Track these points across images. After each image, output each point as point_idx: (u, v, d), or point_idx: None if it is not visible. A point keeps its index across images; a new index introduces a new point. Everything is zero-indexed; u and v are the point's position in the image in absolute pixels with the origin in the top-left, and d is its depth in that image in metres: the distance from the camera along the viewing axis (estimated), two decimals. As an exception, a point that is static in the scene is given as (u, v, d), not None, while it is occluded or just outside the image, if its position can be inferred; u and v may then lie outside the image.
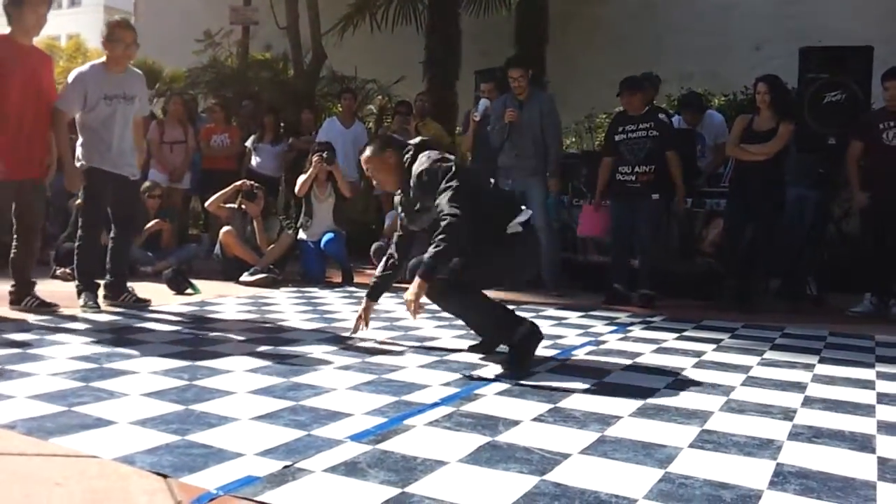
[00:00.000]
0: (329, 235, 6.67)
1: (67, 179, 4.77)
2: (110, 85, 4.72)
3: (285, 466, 2.11)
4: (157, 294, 5.39)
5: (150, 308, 4.86)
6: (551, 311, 5.21)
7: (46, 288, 5.27)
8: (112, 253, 4.98)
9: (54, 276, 6.06)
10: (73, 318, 4.37)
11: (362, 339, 3.98)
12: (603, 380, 3.24)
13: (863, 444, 2.46)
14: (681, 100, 7.03)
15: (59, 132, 4.55)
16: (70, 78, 4.71)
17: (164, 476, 2.02)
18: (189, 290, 5.57)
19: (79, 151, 4.74)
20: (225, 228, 6.52)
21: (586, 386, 3.12)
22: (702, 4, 10.12)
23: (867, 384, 3.31)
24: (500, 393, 2.97)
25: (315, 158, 6.64)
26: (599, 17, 10.85)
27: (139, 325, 4.26)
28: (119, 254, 5.02)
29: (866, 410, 2.86)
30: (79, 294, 4.71)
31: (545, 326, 4.55)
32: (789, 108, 5.71)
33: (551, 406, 2.79)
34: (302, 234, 6.82)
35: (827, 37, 6.98)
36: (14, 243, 4.57)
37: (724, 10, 9.94)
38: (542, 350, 3.83)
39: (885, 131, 5.52)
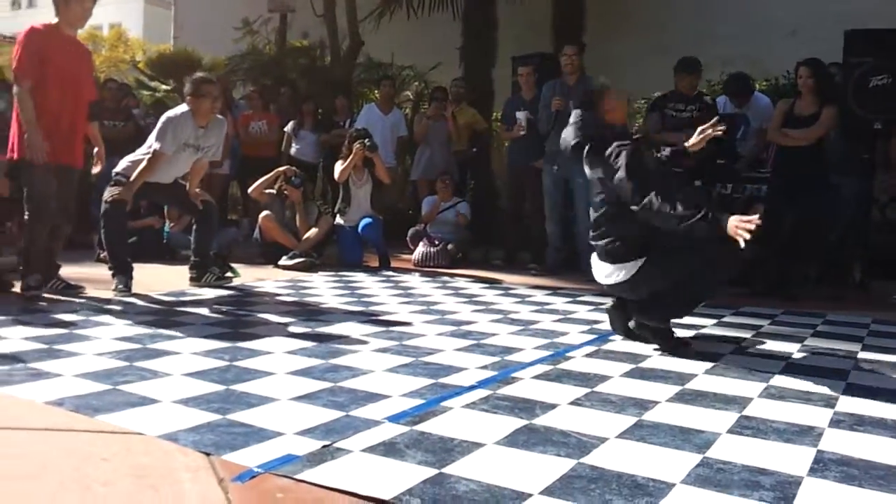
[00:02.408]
0: (367, 220, 6.71)
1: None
2: (193, 137, 5.01)
3: (324, 446, 2.14)
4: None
5: (191, 291, 4.95)
6: (588, 297, 5.18)
7: (92, 271, 5.41)
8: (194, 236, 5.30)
9: (99, 260, 6.18)
10: (119, 301, 4.46)
11: (400, 323, 4.00)
12: (640, 364, 3.23)
13: (906, 432, 2.42)
14: (728, 81, 6.90)
15: (150, 169, 4.87)
16: (162, 121, 4.95)
17: (207, 454, 2.06)
18: (229, 274, 5.64)
19: (125, 164, 4.98)
20: (264, 213, 6.59)
21: (623, 370, 3.11)
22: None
23: (911, 372, 3.25)
24: (537, 377, 2.97)
25: (357, 146, 6.67)
26: (636, 2, 10.71)
27: (181, 307, 4.34)
28: (199, 238, 5.27)
29: (910, 398, 2.82)
30: (113, 277, 4.81)
31: (582, 311, 4.56)
32: (832, 93, 5.59)
33: (588, 390, 2.79)
34: (340, 220, 6.87)
35: (872, 20, 6.80)
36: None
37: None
38: (579, 335, 3.84)
39: (933, 116, 5.38)
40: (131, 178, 4.84)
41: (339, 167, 6.84)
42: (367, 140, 6.72)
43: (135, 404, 2.46)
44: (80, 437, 2.18)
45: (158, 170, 4.93)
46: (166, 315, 4.09)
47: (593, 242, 3.66)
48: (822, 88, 5.48)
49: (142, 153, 4.97)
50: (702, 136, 3.71)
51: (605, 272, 3.60)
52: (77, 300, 4.42)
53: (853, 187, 6.06)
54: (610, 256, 3.54)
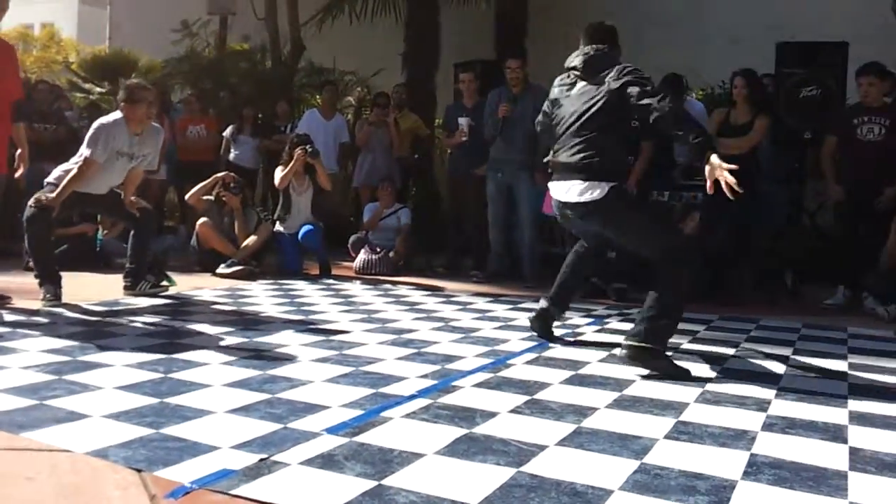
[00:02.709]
0: (307, 228, 6.64)
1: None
2: (127, 145, 4.83)
3: (261, 459, 2.10)
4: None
5: (125, 301, 4.82)
6: (529, 304, 5.21)
7: (20, 280, 5.23)
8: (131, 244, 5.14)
9: (27, 268, 5.97)
10: (48, 312, 4.32)
11: (340, 332, 3.96)
12: (579, 371, 3.26)
13: (835, 434, 2.49)
14: (661, 83, 7.03)
15: (80, 177, 4.67)
16: (94, 128, 4.75)
17: (139, 470, 2.00)
18: (164, 283, 5.51)
19: (58, 173, 4.81)
20: (202, 220, 6.47)
21: (563, 377, 3.13)
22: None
23: (840, 375, 3.35)
24: (478, 385, 2.97)
25: (299, 151, 6.60)
26: (577, 10, 10.84)
27: (114, 318, 4.21)
28: (135, 245, 5.11)
29: (839, 401, 2.90)
30: (40, 286, 4.65)
31: (523, 318, 4.58)
32: (766, 103, 5.75)
33: (528, 398, 2.80)
34: (279, 227, 6.79)
35: (803, 32, 7.03)
36: None
37: (702, 5, 9.98)
38: (520, 342, 3.86)
39: (860, 126, 5.57)
40: (61, 186, 4.68)
41: (279, 173, 6.76)
42: (308, 146, 6.65)
43: (62, 420, 2.37)
44: (3, 456, 2.09)
45: (90, 178, 4.77)
46: (98, 326, 3.97)
47: (562, 159, 3.55)
48: (756, 98, 5.63)
49: (74, 161, 4.82)
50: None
51: (576, 190, 3.46)
52: (2, 311, 4.26)
53: (784, 195, 6.25)
54: (584, 172, 3.44)
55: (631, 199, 3.58)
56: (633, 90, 3.37)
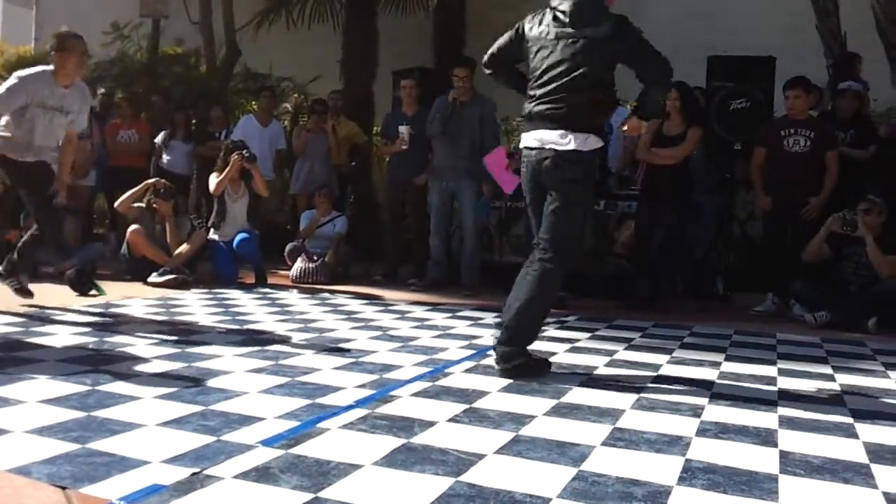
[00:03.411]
0: (242, 235, 6.53)
1: None
2: (54, 98, 4.55)
3: (193, 473, 2.04)
4: (59, 295, 5.16)
5: (52, 310, 4.65)
6: (468, 312, 5.22)
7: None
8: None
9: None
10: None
11: (276, 341, 3.90)
12: (517, 380, 3.26)
13: (766, 438, 2.55)
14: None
15: None
16: (11, 79, 4.52)
17: (63, 487, 1.92)
18: (93, 292, 5.35)
19: None
20: (133, 227, 6.29)
21: (501, 385, 3.13)
22: (615, 11, 10.34)
23: (770, 381, 3.44)
24: (416, 394, 2.95)
25: (235, 157, 6.49)
26: (513, 21, 10.97)
27: (39, 328, 4.06)
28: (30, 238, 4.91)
29: (769, 406, 2.97)
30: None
31: (461, 326, 4.58)
32: (698, 114, 5.89)
33: (467, 406, 2.79)
34: (213, 234, 6.65)
35: (733, 47, 7.23)
36: None
37: (637, 21, 10.19)
38: (458, 350, 3.85)
39: (786, 138, 5.75)
40: None
41: (214, 179, 6.63)
42: (245, 151, 6.54)
43: (-19, 436, 2.27)
44: (-84, 475, 1.99)
45: (19, 137, 4.49)
46: (22, 335, 3.81)
47: (538, 108, 3.44)
48: (689, 110, 5.77)
49: None
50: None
51: (553, 137, 3.37)
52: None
53: (715, 204, 6.41)
54: (559, 122, 3.36)
55: (593, 173, 3.48)
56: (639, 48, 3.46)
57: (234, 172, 6.53)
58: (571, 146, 3.34)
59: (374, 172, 9.35)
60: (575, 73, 3.36)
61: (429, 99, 6.68)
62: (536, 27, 3.54)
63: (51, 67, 4.55)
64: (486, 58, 3.78)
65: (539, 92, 3.46)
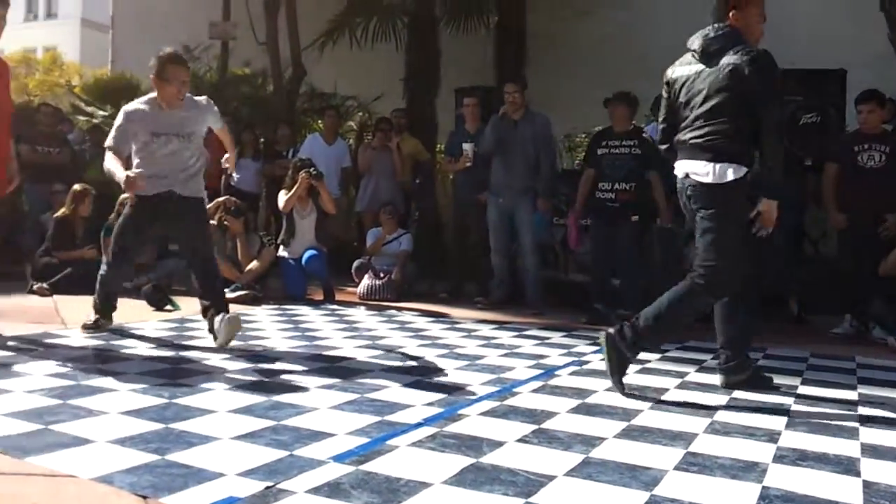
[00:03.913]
0: (311, 252, 6.63)
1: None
2: (163, 124, 4.31)
3: (267, 487, 2.07)
4: (136, 311, 5.32)
5: (131, 325, 4.79)
6: (534, 331, 5.19)
7: (23, 303, 5.20)
8: None
9: (31, 291, 5.97)
10: (52, 335, 4.29)
11: (345, 358, 3.94)
12: (586, 400, 3.23)
13: (848, 467, 2.46)
14: (655, 101, 7.06)
15: (109, 165, 4.27)
16: (119, 117, 4.39)
17: (144, 497, 1.98)
18: (169, 307, 5.50)
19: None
20: (204, 244, 6.45)
21: (570, 406, 3.10)
22: (680, 24, 10.20)
23: (850, 406, 3.32)
24: (484, 413, 2.95)
25: (303, 175, 6.61)
26: (577, 37, 10.92)
27: (118, 342, 4.19)
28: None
29: (850, 433, 2.87)
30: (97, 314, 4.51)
31: (528, 346, 4.56)
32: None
33: (535, 427, 2.77)
34: (283, 251, 6.78)
35: (801, 60, 7.08)
36: None
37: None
38: (526, 370, 3.83)
39: (860, 154, 5.58)
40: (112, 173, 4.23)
41: (282, 197, 6.76)
42: (312, 169, 6.66)
43: (67, 445, 2.35)
44: (7, 481, 2.07)
45: (146, 169, 4.25)
46: (102, 350, 3.95)
47: (684, 137, 3.54)
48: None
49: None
50: None
51: (698, 168, 3.46)
52: (5, 335, 4.23)
53: (787, 222, 6.23)
54: (709, 152, 3.42)
55: (740, 202, 3.44)
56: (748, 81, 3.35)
57: (302, 190, 6.65)
58: (709, 178, 3.42)
59: (437, 190, 9.40)
60: (711, 104, 3.44)
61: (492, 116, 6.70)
62: (677, 69, 3.69)
63: (154, 94, 4.40)
64: (659, 136, 3.90)
65: (683, 123, 3.58)
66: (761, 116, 3.36)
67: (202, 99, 4.57)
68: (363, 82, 10.77)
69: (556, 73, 10.45)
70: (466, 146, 6.63)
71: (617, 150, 5.82)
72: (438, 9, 10.13)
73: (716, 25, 3.57)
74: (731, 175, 3.38)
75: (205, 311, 4.35)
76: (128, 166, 4.27)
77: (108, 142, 4.34)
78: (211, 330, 4.21)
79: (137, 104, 4.40)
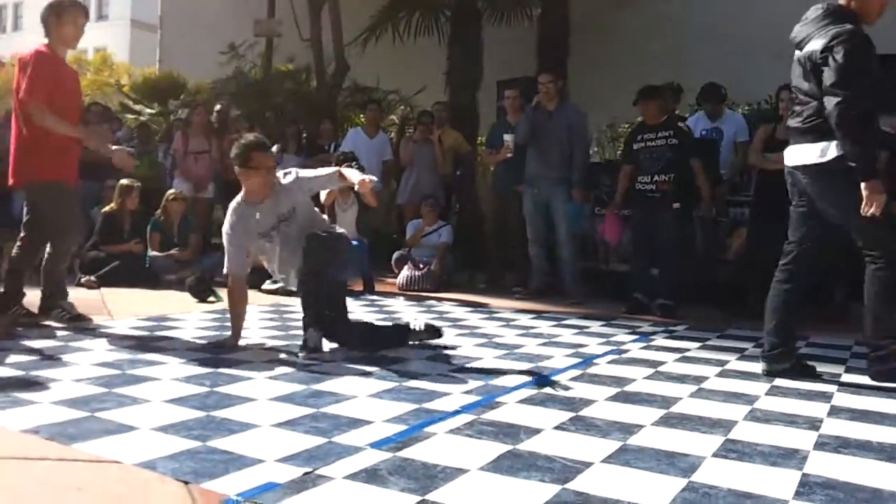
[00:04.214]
0: (353, 244, 6.68)
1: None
2: (261, 222, 3.91)
3: (305, 473, 2.10)
4: (180, 302, 5.43)
5: (173, 316, 4.89)
6: (573, 321, 5.17)
7: (72, 296, 5.34)
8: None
9: (79, 284, 6.13)
10: (99, 326, 4.41)
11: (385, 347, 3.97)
12: (625, 388, 3.21)
13: (891, 454, 2.41)
14: (701, 92, 6.97)
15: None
16: (224, 239, 3.97)
17: (185, 482, 2.02)
18: (212, 299, 5.60)
19: None
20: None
21: (608, 395, 3.09)
22: (722, 13, 10.05)
23: (893, 393, 3.25)
24: (522, 401, 2.95)
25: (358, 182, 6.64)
26: (619, 27, 10.82)
27: (162, 332, 4.29)
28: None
29: (893, 420, 2.81)
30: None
31: (567, 335, 4.55)
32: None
33: (573, 414, 2.77)
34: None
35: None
36: (48, 249, 4.49)
37: (745, 18, 9.88)
38: (564, 359, 3.82)
39: (912, 139, 5.42)
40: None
41: (324, 191, 6.82)
42: (353, 163, 6.70)
43: (112, 432, 2.41)
44: (54, 466, 2.13)
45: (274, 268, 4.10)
46: (147, 340, 4.04)
47: (791, 124, 3.50)
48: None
49: None
50: None
51: (807, 152, 3.40)
52: (56, 325, 4.35)
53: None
54: (811, 133, 3.36)
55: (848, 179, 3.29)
56: (825, 68, 3.24)
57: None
58: (814, 160, 3.34)
59: (478, 182, 9.40)
60: (809, 85, 3.37)
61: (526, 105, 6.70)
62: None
63: (241, 196, 4.00)
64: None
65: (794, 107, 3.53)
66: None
67: (288, 178, 3.99)
68: (405, 77, 10.82)
69: (599, 63, 10.37)
70: (507, 137, 6.62)
71: (653, 142, 5.75)
72: (481, 2, 10.11)
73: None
74: (834, 151, 3.28)
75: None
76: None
77: (226, 270, 3.95)
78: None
79: (231, 218, 3.95)
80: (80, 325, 4.40)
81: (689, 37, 10.05)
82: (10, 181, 4.38)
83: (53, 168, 4.29)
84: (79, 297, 5.14)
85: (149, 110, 13.22)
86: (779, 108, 5.72)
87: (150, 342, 3.98)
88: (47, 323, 4.36)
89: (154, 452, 2.23)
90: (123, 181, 6.84)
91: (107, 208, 6.91)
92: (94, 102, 9.94)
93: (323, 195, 6.82)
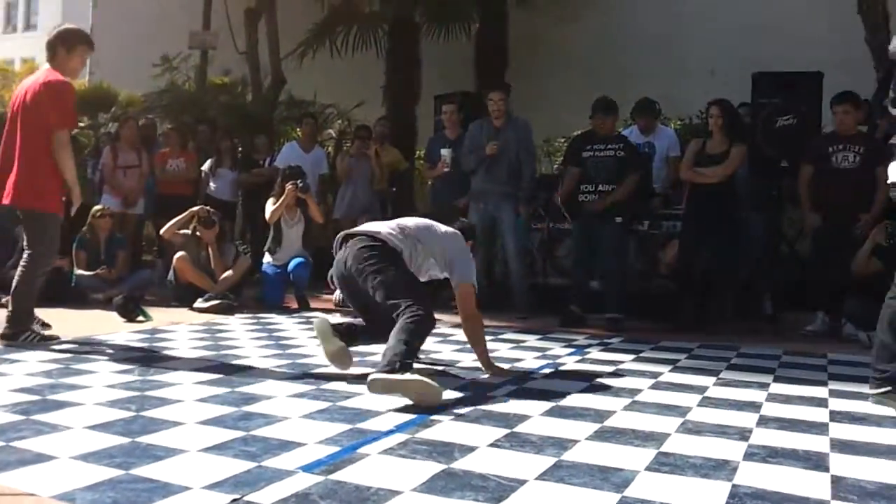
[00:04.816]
0: (298, 260, 6.61)
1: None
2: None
3: (233, 500, 2.04)
4: (107, 322, 5.26)
5: (99, 338, 4.73)
6: (510, 335, 5.18)
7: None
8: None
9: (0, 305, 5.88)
10: (15, 349, 4.22)
11: (318, 365, 3.91)
12: (559, 403, 3.22)
13: (817, 462, 2.46)
14: (636, 106, 7.11)
15: None
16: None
17: (105, 513, 1.94)
18: (140, 318, 5.44)
19: None
20: (178, 254, 6.40)
21: (543, 409, 3.09)
22: (659, 30, 10.29)
23: (821, 402, 3.33)
24: (456, 418, 2.92)
25: (290, 187, 6.57)
26: (558, 42, 10.96)
27: (87, 354, 4.13)
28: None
29: (820, 429, 2.88)
30: None
31: (503, 349, 4.55)
32: (741, 132, 5.80)
33: (508, 431, 2.76)
34: (269, 259, 6.72)
35: (778, 64, 7.12)
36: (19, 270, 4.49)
37: (681, 36, 10.12)
38: (500, 374, 3.81)
39: (834, 154, 5.61)
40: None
41: (270, 206, 6.72)
42: (299, 181, 6.62)
43: (29, 462, 2.30)
44: (-36, 500, 2.03)
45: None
46: (70, 362, 3.88)
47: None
48: (732, 128, 5.67)
49: None
50: None
51: None
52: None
53: (762, 222, 6.28)
54: None
55: None
56: None
57: (290, 200, 6.62)
58: None
59: (416, 197, 9.39)
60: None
61: (471, 122, 6.71)
62: None
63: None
64: None
65: None
66: None
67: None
68: (343, 90, 10.76)
69: (537, 77, 10.49)
70: (444, 152, 6.63)
71: (602, 153, 5.83)
72: (419, 16, 10.14)
73: None
74: None
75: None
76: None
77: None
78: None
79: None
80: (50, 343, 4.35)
81: (626, 52, 10.25)
82: (5, 200, 4.38)
83: (58, 202, 4.47)
84: (-1, 318, 4.94)
85: (79, 123, 12.84)
86: (709, 124, 5.86)
87: (73, 364, 3.83)
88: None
89: (73, 483, 2.13)
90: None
91: None
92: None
93: (268, 212, 6.72)
